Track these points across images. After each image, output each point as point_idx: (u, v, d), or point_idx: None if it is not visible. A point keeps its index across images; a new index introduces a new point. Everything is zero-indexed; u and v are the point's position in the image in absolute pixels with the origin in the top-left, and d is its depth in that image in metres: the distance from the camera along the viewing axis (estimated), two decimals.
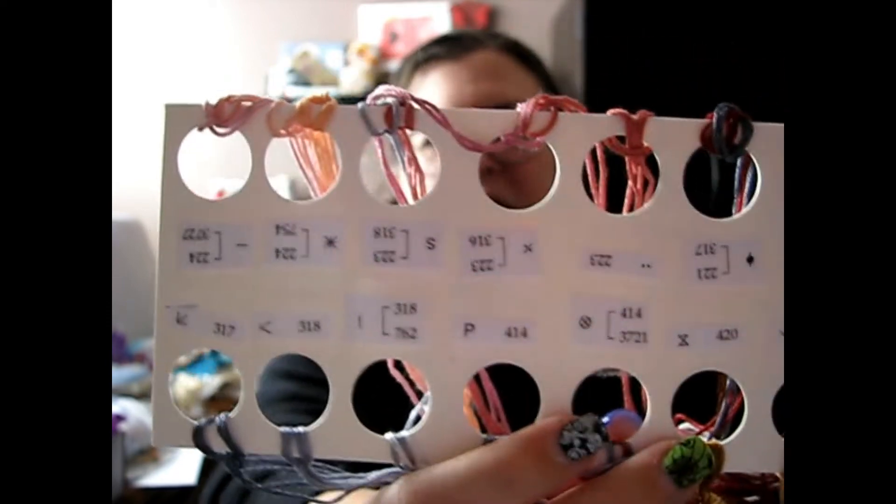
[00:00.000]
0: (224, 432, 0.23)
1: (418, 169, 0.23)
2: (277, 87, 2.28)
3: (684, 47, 1.80)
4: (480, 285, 0.22)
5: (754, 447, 0.22)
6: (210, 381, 1.48)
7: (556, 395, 0.22)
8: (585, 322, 0.22)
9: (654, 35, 1.83)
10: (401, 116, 0.22)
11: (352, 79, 2.23)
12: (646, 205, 0.23)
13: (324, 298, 0.22)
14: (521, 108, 0.22)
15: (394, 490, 0.21)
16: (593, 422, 0.21)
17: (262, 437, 0.23)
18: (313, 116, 0.23)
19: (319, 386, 0.29)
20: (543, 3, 2.36)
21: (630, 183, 0.23)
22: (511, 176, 0.57)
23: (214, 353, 1.69)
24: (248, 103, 0.23)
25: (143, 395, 1.39)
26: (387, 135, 0.23)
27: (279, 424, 0.23)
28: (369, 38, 2.34)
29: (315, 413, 0.24)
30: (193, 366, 1.63)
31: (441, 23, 2.32)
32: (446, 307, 0.22)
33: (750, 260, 0.22)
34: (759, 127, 0.22)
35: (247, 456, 0.22)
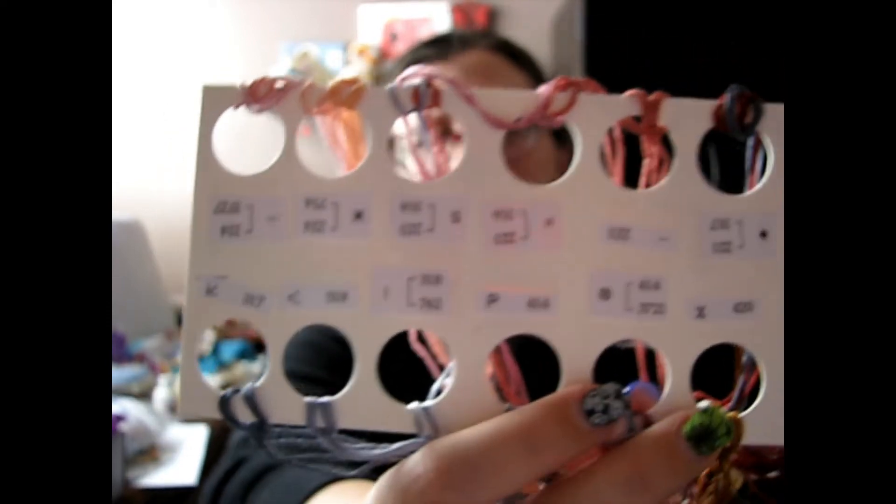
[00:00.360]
0: (251, 402, 0.23)
1: (442, 148, 0.24)
2: None
3: (684, 47, 1.80)
4: (503, 257, 0.23)
5: (772, 420, 0.22)
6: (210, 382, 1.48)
7: (577, 365, 0.22)
8: (605, 294, 0.22)
9: (654, 35, 1.83)
10: (427, 96, 0.23)
11: None
12: (662, 181, 0.23)
13: (351, 270, 0.23)
14: (543, 88, 0.23)
15: (417, 458, 0.21)
16: (615, 389, 0.21)
17: (287, 407, 0.23)
18: (344, 96, 0.24)
19: (319, 385, 0.29)
20: (543, 3, 2.36)
21: (646, 161, 0.24)
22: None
23: (214, 354, 1.69)
24: (282, 84, 0.24)
25: (142, 395, 1.39)
26: (413, 114, 0.24)
27: None
28: (369, 38, 2.34)
29: None
30: None
31: (441, 23, 2.32)
32: (470, 279, 0.23)
33: (763, 235, 0.23)
34: (769, 107, 0.23)
35: (271, 428, 0.23)
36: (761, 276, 0.23)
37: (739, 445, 0.22)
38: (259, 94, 0.24)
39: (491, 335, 0.23)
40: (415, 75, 0.24)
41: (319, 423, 0.23)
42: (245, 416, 0.23)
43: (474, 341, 0.23)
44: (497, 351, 0.24)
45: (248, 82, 0.24)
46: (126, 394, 1.36)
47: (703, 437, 0.21)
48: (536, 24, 2.34)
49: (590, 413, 0.21)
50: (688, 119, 0.23)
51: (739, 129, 0.23)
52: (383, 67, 2.26)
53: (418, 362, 0.25)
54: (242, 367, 1.63)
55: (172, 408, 1.38)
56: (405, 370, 0.27)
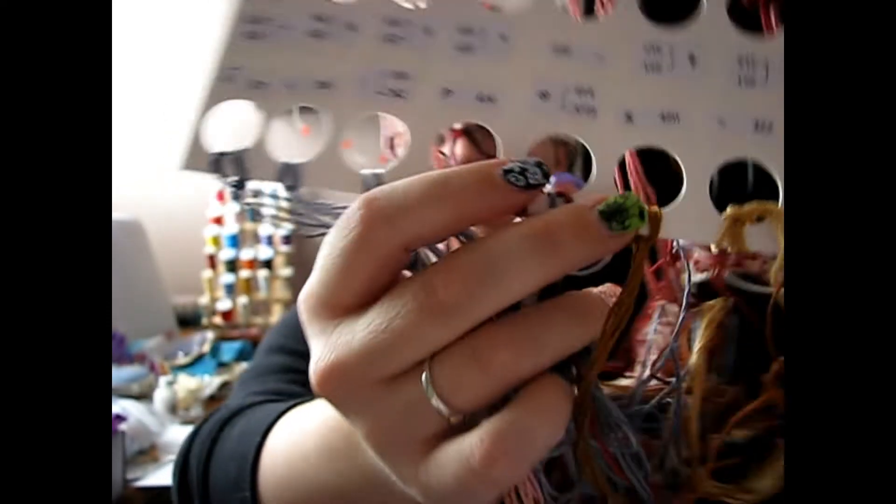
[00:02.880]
0: (238, 162, 0.27)
1: None
2: None
3: None
4: (462, 63, 0.27)
5: (691, 217, 0.24)
6: (210, 382, 1.48)
7: (514, 152, 0.26)
8: (544, 95, 0.27)
9: None
10: None
11: None
12: (607, 14, 0.28)
13: (339, 66, 0.28)
14: None
15: (353, 203, 0.23)
16: (537, 161, 0.23)
17: (265, 168, 0.27)
18: None
19: (299, 357, 0.29)
20: None
21: None
22: None
23: (214, 354, 1.69)
24: None
25: (142, 396, 1.39)
26: None
27: (272, 392, 0.24)
28: None
29: (306, 384, 0.24)
30: (193, 366, 1.63)
31: None
32: (432, 76, 0.27)
33: (692, 59, 0.26)
34: None
35: (248, 187, 0.27)
36: (688, 93, 0.26)
37: (657, 236, 0.23)
38: None
39: (442, 119, 0.27)
40: None
41: (288, 181, 0.27)
42: (231, 173, 0.27)
43: (427, 123, 0.27)
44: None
45: None
46: (126, 394, 1.36)
47: (615, 213, 0.22)
48: None
49: (508, 171, 0.22)
50: None
51: None
52: None
53: None
54: (242, 368, 1.63)
55: (173, 408, 1.38)
56: None
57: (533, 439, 0.21)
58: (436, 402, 0.21)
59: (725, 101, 0.26)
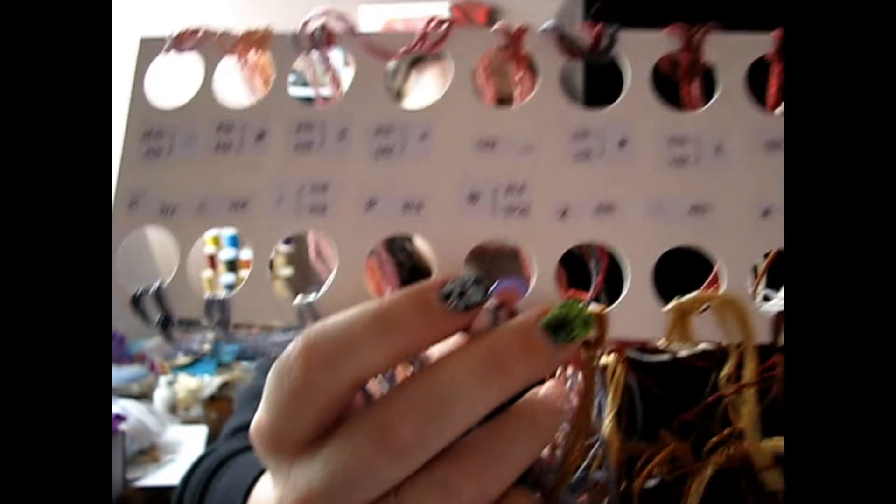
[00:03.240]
0: (159, 299, 0.26)
1: (335, 80, 0.29)
2: None
3: None
4: (382, 168, 0.26)
5: (636, 315, 0.24)
6: (210, 382, 1.48)
7: (448, 262, 0.25)
8: (473, 197, 0.25)
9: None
10: (323, 38, 0.29)
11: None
12: (527, 99, 0.27)
13: (251, 183, 0.26)
14: (419, 26, 0.28)
15: (291, 343, 0.22)
16: (475, 277, 0.22)
17: (189, 303, 0.26)
18: (255, 38, 0.30)
19: None
20: (543, 3, 2.36)
21: (516, 82, 0.27)
22: None
23: (214, 355, 1.69)
24: (203, 32, 0.30)
25: (142, 396, 1.39)
26: (313, 52, 0.29)
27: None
28: None
29: None
30: (193, 366, 1.63)
31: None
32: (352, 186, 0.26)
33: (622, 143, 0.25)
34: (625, 34, 0.28)
35: (176, 323, 0.26)
36: (620, 179, 0.25)
37: (606, 338, 0.23)
38: (184, 41, 0.30)
39: (369, 234, 0.25)
40: (312, 20, 0.29)
41: (216, 317, 0.26)
42: (154, 312, 0.26)
43: (355, 240, 0.25)
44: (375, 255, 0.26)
45: (176, 32, 0.30)
46: (126, 394, 1.36)
47: (559, 326, 0.21)
48: (536, 24, 2.34)
49: (447, 296, 0.22)
50: (545, 48, 0.28)
51: (591, 54, 0.27)
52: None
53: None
54: (242, 368, 1.63)
55: (173, 408, 1.38)
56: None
57: None
58: None
59: (659, 186, 0.25)
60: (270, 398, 0.22)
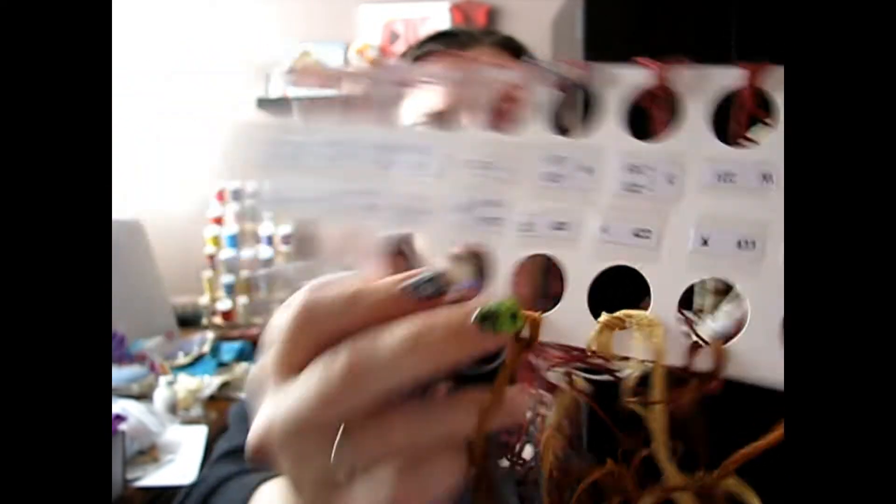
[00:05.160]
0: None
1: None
2: (277, 87, 2.28)
3: (684, 47, 1.79)
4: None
5: (568, 322, 0.26)
6: (210, 382, 1.48)
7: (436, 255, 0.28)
8: (460, 208, 0.29)
9: (655, 35, 1.82)
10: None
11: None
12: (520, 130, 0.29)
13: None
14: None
15: (296, 296, 0.27)
16: (435, 274, 0.26)
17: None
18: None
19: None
20: (543, 3, 2.36)
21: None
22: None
23: (214, 354, 1.69)
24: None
25: (142, 396, 1.39)
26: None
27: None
28: (369, 38, 2.34)
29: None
30: (193, 366, 1.63)
31: (441, 23, 2.32)
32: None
33: (588, 171, 0.28)
34: (597, 66, 0.29)
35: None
36: (579, 203, 0.27)
37: (537, 339, 0.26)
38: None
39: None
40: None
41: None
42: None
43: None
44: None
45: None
46: (126, 394, 1.36)
47: (488, 317, 0.25)
48: (536, 24, 2.34)
49: (413, 287, 0.26)
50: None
51: (561, 87, 0.29)
52: None
53: None
54: (242, 368, 1.63)
55: (173, 408, 1.38)
56: None
57: (425, 487, 0.27)
58: (347, 457, 0.26)
59: (610, 210, 0.27)
60: (279, 337, 0.28)
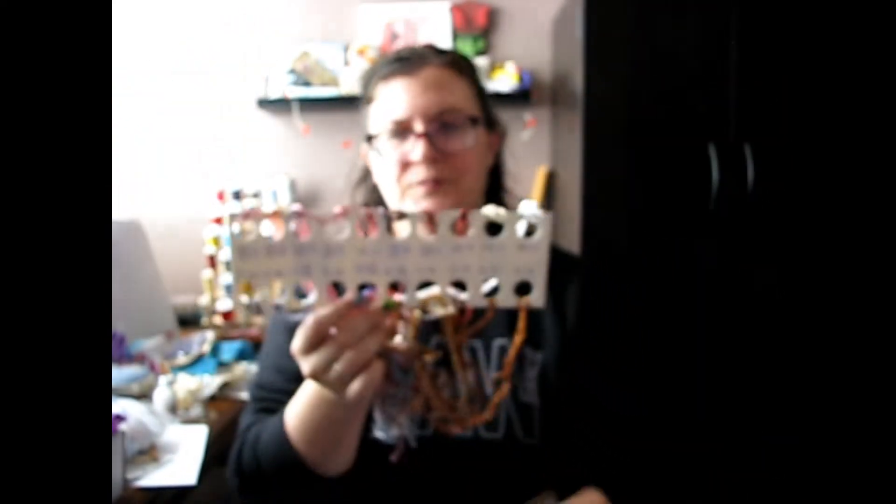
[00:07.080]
0: None
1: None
2: (277, 87, 2.28)
3: (684, 47, 1.79)
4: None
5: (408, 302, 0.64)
6: (210, 382, 1.48)
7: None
8: (363, 268, 0.61)
9: (654, 35, 1.82)
10: None
11: (352, 79, 2.23)
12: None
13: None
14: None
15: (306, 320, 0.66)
16: (362, 296, 0.61)
17: None
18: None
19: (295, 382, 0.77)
20: (543, 3, 2.36)
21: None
22: (452, 163, 0.84)
23: (214, 354, 1.69)
24: None
25: (142, 396, 1.39)
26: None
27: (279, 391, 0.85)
28: (369, 38, 2.34)
29: (273, 410, 0.82)
30: (193, 366, 1.63)
31: (441, 23, 2.32)
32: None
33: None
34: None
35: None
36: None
37: (400, 307, 0.62)
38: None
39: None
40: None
41: None
42: None
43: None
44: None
45: None
46: (126, 394, 1.36)
47: (386, 306, 0.61)
48: (536, 24, 2.34)
49: (352, 301, 0.62)
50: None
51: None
52: None
53: None
54: (242, 368, 1.63)
55: (173, 408, 1.38)
56: None
57: (372, 377, 0.62)
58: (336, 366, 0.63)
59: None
60: (302, 333, 0.63)
